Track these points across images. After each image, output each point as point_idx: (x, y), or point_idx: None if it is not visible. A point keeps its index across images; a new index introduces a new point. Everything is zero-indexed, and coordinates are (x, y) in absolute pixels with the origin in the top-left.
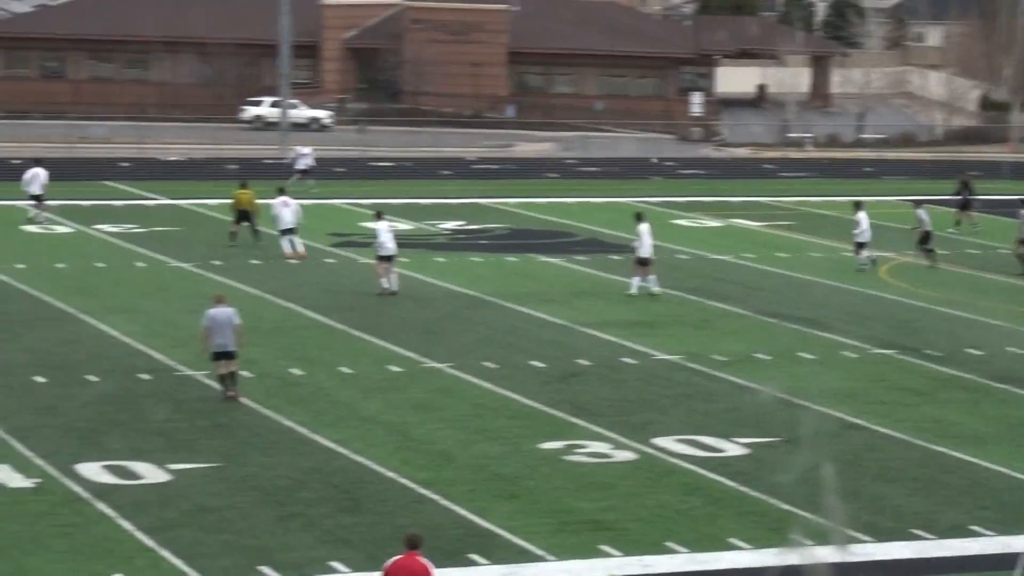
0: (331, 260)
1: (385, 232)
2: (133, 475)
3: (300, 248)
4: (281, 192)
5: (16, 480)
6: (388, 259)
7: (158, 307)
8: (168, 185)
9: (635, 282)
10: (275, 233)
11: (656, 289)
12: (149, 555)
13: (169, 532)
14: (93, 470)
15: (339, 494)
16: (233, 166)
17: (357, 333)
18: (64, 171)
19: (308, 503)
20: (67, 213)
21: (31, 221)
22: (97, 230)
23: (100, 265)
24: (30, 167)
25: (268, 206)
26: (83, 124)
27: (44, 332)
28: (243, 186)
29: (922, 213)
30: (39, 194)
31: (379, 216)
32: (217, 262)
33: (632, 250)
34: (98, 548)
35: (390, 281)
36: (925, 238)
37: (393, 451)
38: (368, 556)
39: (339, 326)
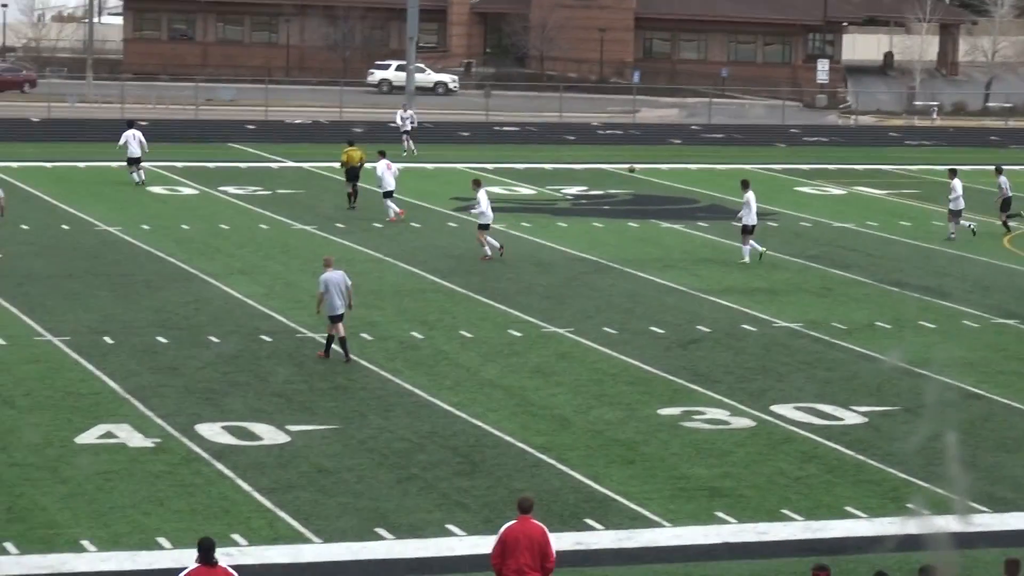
0: (453, 224)
1: (486, 200)
2: (252, 436)
3: (397, 210)
4: (382, 155)
5: (136, 440)
6: (487, 227)
7: (280, 269)
8: (293, 148)
9: (747, 250)
10: (379, 193)
11: (760, 248)
12: (267, 515)
13: (287, 493)
14: (213, 430)
15: (457, 457)
16: (358, 129)
17: (478, 297)
18: (190, 133)
19: (425, 466)
20: (192, 175)
21: (143, 183)
22: (222, 192)
23: (224, 227)
24: (124, 129)
25: (370, 169)
26: (210, 86)
27: (168, 293)
28: (351, 144)
29: (1003, 180)
30: (137, 156)
31: (478, 184)
32: (340, 225)
33: (738, 219)
34: (216, 508)
35: (491, 245)
36: (1006, 204)
37: (511, 415)
38: (484, 520)
39: (460, 290)
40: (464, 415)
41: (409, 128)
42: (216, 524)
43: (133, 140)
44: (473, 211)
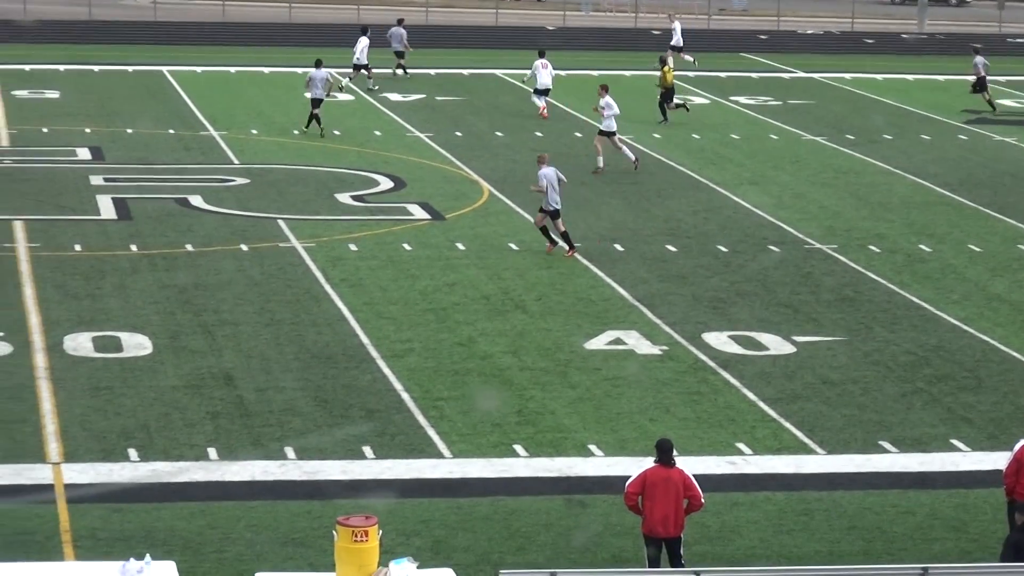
0: (963, 137)
1: (614, 106)
2: (759, 345)
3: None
4: (541, 55)
5: (644, 347)
6: (611, 134)
7: (789, 179)
8: (804, 58)
9: None
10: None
11: None
12: (771, 425)
13: (792, 404)
14: (719, 339)
15: (962, 372)
16: (869, 40)
17: (987, 211)
18: (703, 43)
19: (931, 380)
20: (704, 84)
21: (341, 90)
22: (733, 102)
23: (734, 137)
24: (358, 36)
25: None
26: None
27: (678, 202)
28: (664, 62)
29: None
30: (365, 63)
31: (605, 89)
32: (849, 136)
33: None
34: (721, 416)
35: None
36: None
37: (1019, 331)
38: (988, 435)
39: (969, 203)
40: (971, 330)
41: (675, 43)
42: (721, 432)
43: (362, 49)
44: (605, 112)
